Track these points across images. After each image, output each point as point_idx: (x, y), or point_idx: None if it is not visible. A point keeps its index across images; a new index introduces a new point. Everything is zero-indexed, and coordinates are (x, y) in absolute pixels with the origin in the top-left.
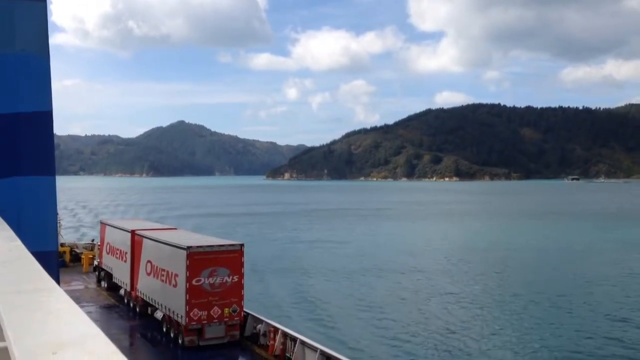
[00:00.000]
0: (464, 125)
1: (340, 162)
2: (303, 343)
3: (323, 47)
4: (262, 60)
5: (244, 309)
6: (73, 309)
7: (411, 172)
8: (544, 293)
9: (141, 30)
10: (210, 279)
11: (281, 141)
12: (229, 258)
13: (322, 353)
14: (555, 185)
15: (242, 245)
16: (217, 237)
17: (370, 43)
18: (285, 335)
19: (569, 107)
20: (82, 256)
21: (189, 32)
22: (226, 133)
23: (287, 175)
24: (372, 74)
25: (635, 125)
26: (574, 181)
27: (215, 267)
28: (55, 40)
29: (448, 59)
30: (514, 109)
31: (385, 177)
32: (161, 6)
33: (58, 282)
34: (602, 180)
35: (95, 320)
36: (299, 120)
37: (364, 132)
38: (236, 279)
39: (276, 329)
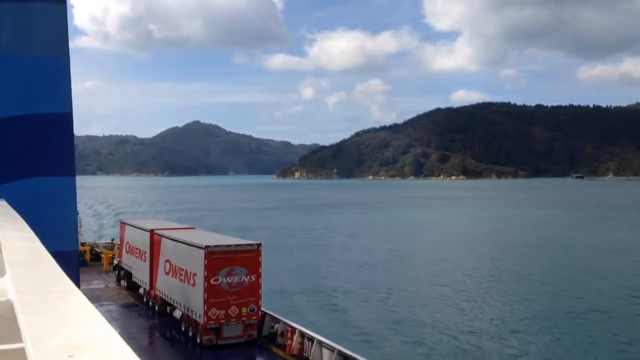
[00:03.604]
0: (473, 124)
1: (349, 161)
2: (320, 343)
3: (338, 46)
4: (278, 60)
5: (262, 308)
6: (90, 311)
7: (419, 171)
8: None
9: (161, 32)
10: (228, 278)
11: (295, 140)
12: (247, 257)
13: (340, 353)
14: (557, 183)
15: (259, 244)
16: (235, 237)
17: (385, 43)
18: (302, 334)
19: (579, 105)
20: (102, 255)
21: (207, 34)
22: (241, 133)
23: (297, 174)
24: (387, 73)
25: None
26: (578, 179)
27: (233, 267)
28: (76, 42)
29: (463, 58)
30: (524, 107)
31: (393, 176)
32: (180, 9)
33: (78, 282)
34: (606, 179)
35: (115, 319)
36: (314, 120)
37: (373, 131)
38: (254, 279)
39: (293, 329)
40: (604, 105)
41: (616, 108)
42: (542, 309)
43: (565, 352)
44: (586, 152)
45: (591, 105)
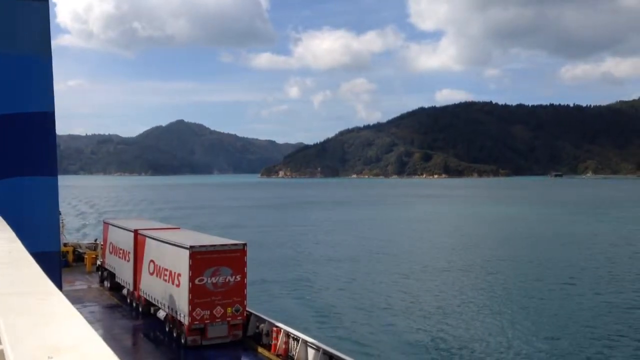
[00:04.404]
0: (456, 123)
1: (333, 160)
2: (306, 342)
3: (324, 45)
4: (264, 59)
5: (247, 309)
6: (71, 312)
7: (402, 170)
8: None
9: (145, 31)
10: (213, 278)
11: (281, 139)
12: (232, 257)
13: (325, 352)
14: (536, 181)
15: (245, 244)
16: (219, 236)
17: (370, 42)
18: (287, 334)
19: (560, 104)
20: (85, 256)
21: (192, 33)
22: (226, 132)
23: (281, 173)
24: (372, 72)
25: (624, 122)
26: (557, 177)
27: (218, 267)
28: (59, 41)
29: (448, 58)
30: (506, 106)
31: (377, 175)
32: (165, 7)
33: (60, 283)
34: (585, 177)
35: (98, 320)
36: (300, 119)
37: (357, 130)
38: (239, 279)
39: (279, 329)
40: (585, 105)
41: (596, 107)
42: (494, 295)
43: (514, 334)
44: (566, 151)
45: (571, 105)
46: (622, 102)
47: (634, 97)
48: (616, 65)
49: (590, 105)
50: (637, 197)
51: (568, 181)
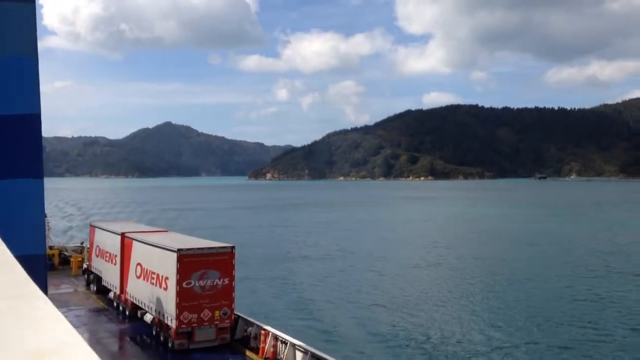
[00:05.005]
0: (442, 126)
1: (320, 162)
2: (294, 345)
3: (313, 48)
4: (252, 61)
5: (235, 312)
6: (55, 316)
7: (389, 172)
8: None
9: (133, 33)
10: (201, 281)
11: (269, 142)
12: (220, 260)
13: (313, 355)
14: (520, 183)
15: (233, 247)
16: (206, 239)
17: (359, 45)
18: (276, 337)
19: (544, 107)
20: (71, 259)
21: (180, 35)
22: (213, 134)
23: (269, 175)
24: (361, 75)
25: (608, 125)
26: (541, 180)
27: (206, 270)
28: (46, 43)
29: (436, 60)
30: (492, 109)
31: (363, 177)
32: (153, 9)
33: (45, 286)
34: (568, 179)
35: (84, 324)
36: (288, 121)
37: (344, 132)
38: (227, 282)
39: (267, 332)
40: (569, 108)
41: (580, 110)
42: (455, 290)
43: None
44: (551, 154)
45: (556, 108)
46: (605, 105)
47: (618, 100)
48: (601, 69)
49: (574, 109)
50: (614, 199)
51: (551, 183)
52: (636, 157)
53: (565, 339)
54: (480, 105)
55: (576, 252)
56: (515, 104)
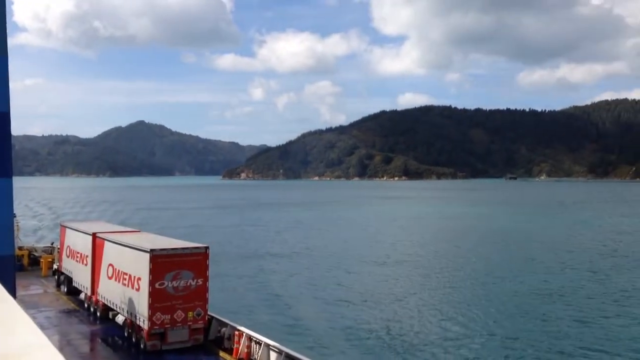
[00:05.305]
0: (416, 127)
1: (295, 162)
2: (268, 346)
3: (288, 48)
4: (228, 60)
5: (208, 312)
6: (21, 318)
7: (363, 172)
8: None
9: (107, 30)
10: (174, 282)
11: (244, 141)
12: (194, 261)
13: (287, 355)
14: (490, 183)
15: (207, 247)
16: (179, 239)
17: (334, 45)
18: (250, 338)
19: (516, 109)
20: (41, 260)
21: (154, 33)
22: (187, 133)
23: (243, 175)
24: (337, 75)
25: (577, 127)
26: (511, 180)
27: (179, 270)
28: (17, 40)
29: (411, 61)
30: (465, 110)
31: (338, 177)
32: (127, 6)
33: (14, 287)
34: (538, 180)
35: (55, 325)
36: (264, 121)
37: (319, 132)
38: (200, 282)
39: (241, 332)
40: (540, 109)
41: (550, 112)
42: (412, 284)
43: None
44: (522, 154)
45: (527, 109)
46: (575, 107)
47: (588, 102)
48: (571, 71)
49: (545, 110)
50: (578, 199)
51: (521, 184)
52: (603, 159)
53: (518, 330)
54: (453, 106)
55: (535, 249)
56: (488, 105)
